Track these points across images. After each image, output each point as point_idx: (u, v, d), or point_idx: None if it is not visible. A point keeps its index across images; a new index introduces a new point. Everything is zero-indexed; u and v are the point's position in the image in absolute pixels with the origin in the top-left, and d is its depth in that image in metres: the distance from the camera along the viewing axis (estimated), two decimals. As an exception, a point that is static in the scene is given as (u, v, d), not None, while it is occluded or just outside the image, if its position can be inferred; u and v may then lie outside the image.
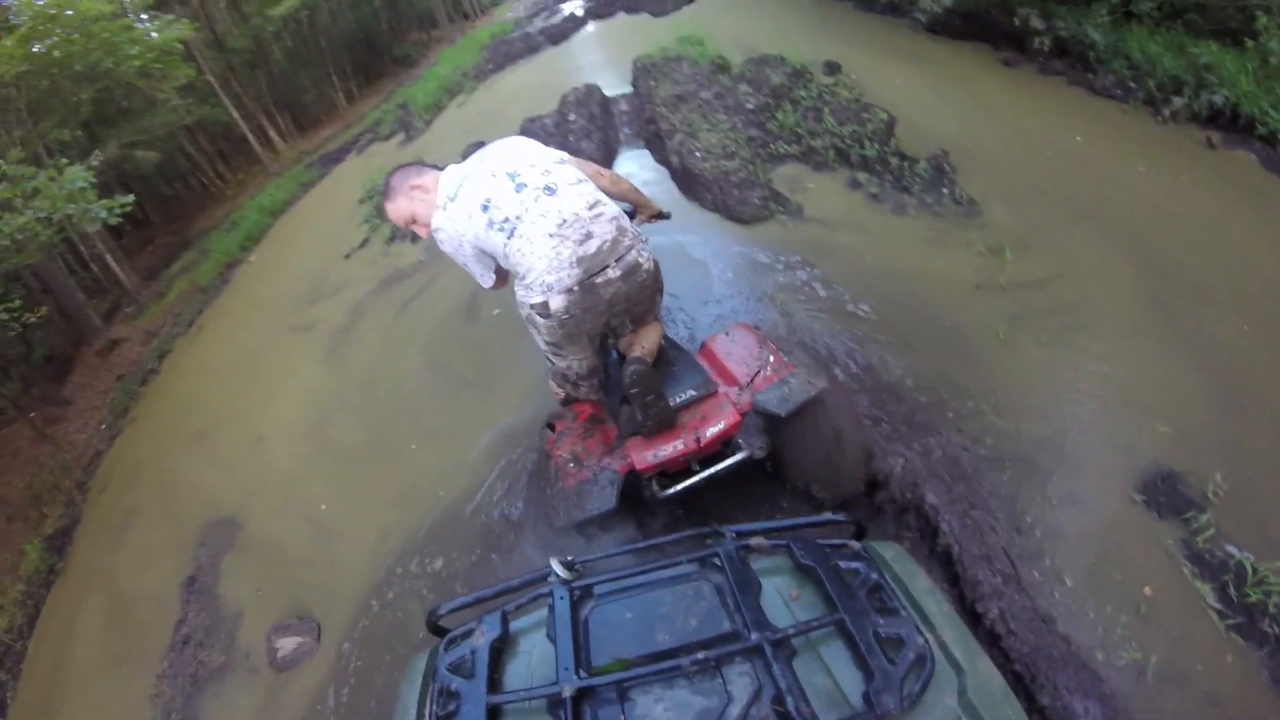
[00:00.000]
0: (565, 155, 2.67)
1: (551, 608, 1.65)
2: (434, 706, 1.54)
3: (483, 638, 1.65)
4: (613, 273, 2.50)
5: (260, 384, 7.04)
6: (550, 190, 2.42)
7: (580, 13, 18.22)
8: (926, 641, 1.44)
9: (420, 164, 2.79)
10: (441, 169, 2.71)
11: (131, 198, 7.80)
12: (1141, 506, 3.00)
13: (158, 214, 22.38)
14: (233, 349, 8.50)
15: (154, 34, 13.88)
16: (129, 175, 20.35)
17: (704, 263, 5.32)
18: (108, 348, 11.64)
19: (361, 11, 27.62)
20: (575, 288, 2.45)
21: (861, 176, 5.71)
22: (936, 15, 7.90)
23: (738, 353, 3.01)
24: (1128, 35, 6.43)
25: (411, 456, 4.85)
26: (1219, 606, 2.66)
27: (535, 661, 1.61)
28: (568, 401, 3.34)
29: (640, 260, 2.57)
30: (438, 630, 1.86)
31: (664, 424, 2.76)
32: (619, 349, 2.98)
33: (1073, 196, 5.00)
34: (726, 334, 3.14)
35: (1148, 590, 2.74)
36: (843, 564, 1.65)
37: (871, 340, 4.16)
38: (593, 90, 9.50)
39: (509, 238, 2.44)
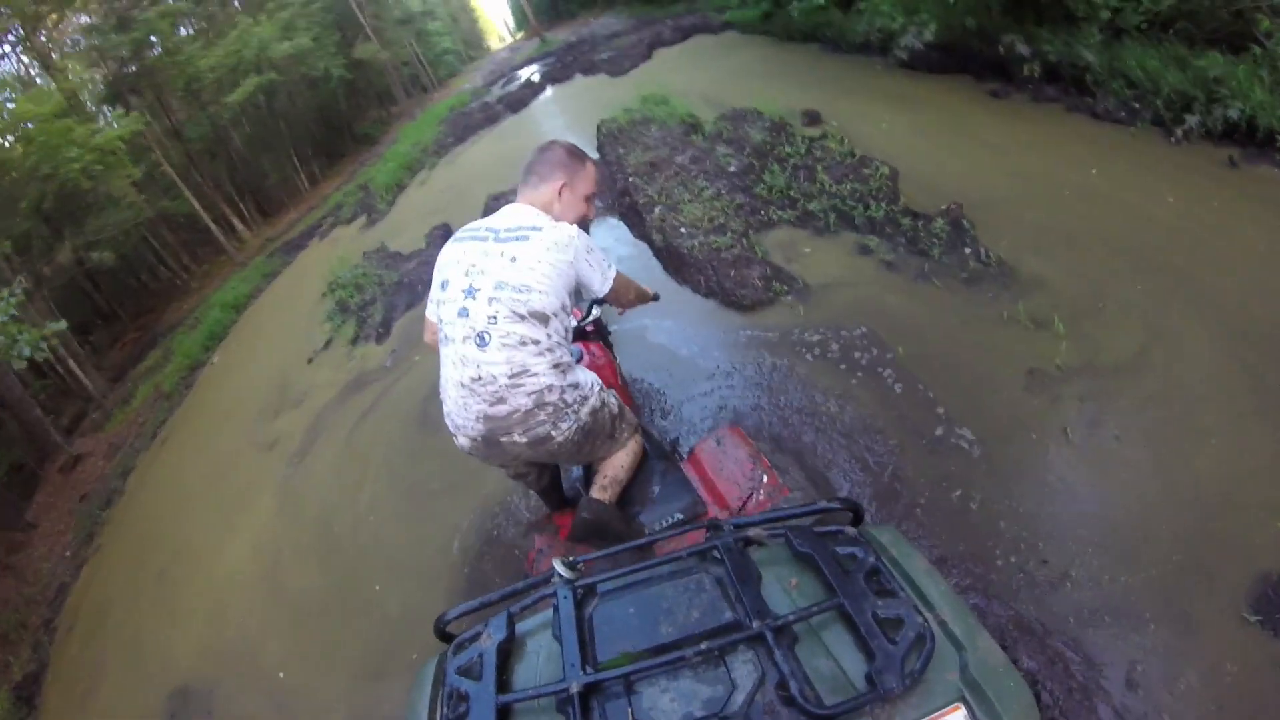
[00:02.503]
0: (554, 273, 2.29)
1: (556, 608, 1.66)
2: (444, 709, 1.55)
3: (490, 640, 1.64)
4: (519, 438, 2.33)
5: (219, 515, 6.53)
6: (482, 341, 2.22)
7: (537, 78, 18.30)
8: (926, 621, 1.43)
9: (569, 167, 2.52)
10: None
11: (63, 323, 7.33)
12: (1256, 627, 2.57)
13: (126, 308, 22.23)
14: (195, 467, 8.10)
15: (115, 124, 13.63)
16: (94, 272, 20.02)
17: (700, 358, 4.77)
18: (70, 464, 11.49)
19: (320, 92, 27.55)
20: (478, 438, 2.35)
21: (871, 241, 5.15)
22: (915, 51, 7.46)
23: (728, 467, 2.77)
24: (1122, 52, 6.04)
25: (377, 604, 4.36)
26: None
27: (542, 661, 1.62)
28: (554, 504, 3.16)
29: (553, 434, 2.36)
30: (445, 636, 1.84)
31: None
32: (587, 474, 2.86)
33: (1107, 242, 4.50)
34: (717, 442, 2.89)
35: (1275, 729, 2.36)
36: (840, 549, 1.64)
37: (913, 451, 3.58)
38: (558, 163, 9.04)
39: (440, 342, 2.38)
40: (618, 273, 2.48)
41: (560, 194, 2.47)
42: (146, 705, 4.77)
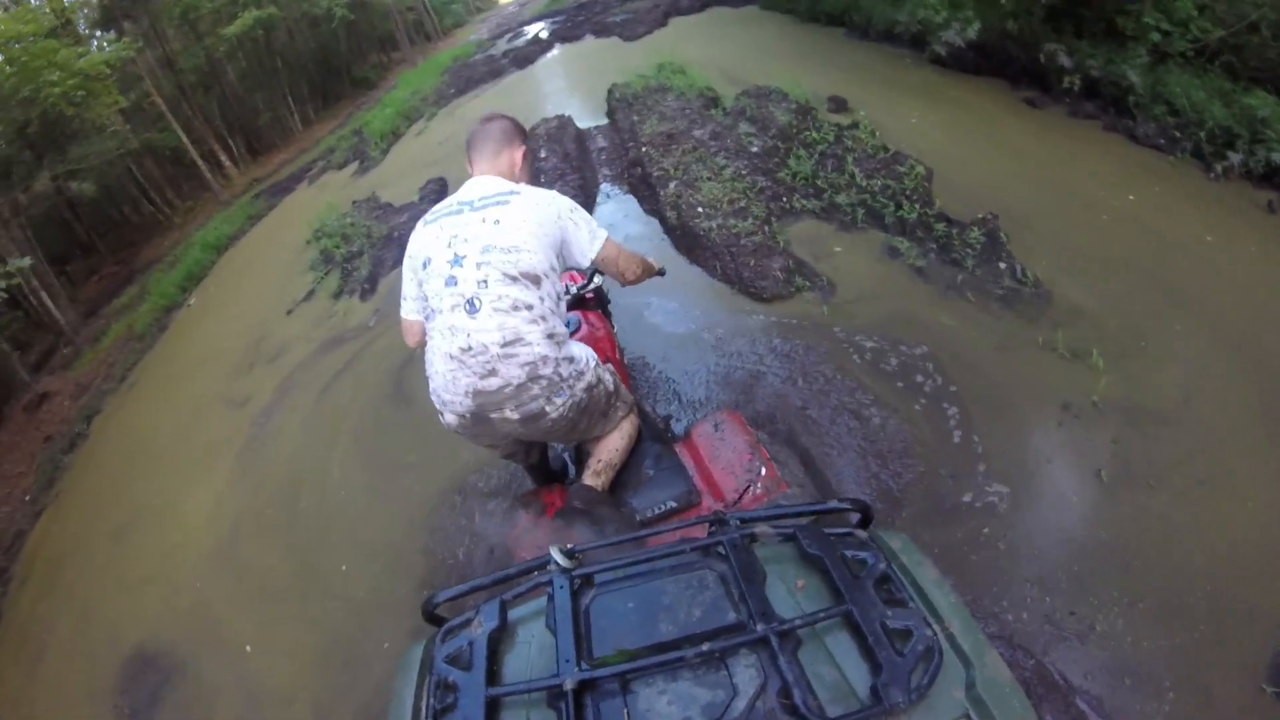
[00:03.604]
0: (540, 232, 2.24)
1: (551, 597, 1.60)
2: (431, 699, 1.50)
3: (480, 628, 1.59)
4: (510, 414, 2.24)
5: (183, 474, 6.19)
6: (472, 307, 2.14)
7: (546, 35, 17.81)
8: (935, 634, 1.39)
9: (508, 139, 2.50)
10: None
11: (28, 260, 6.88)
12: (1274, 700, 2.51)
13: (106, 241, 21.56)
14: (162, 418, 7.72)
15: (107, 48, 13.06)
16: (75, 202, 19.41)
17: (711, 343, 4.54)
18: (36, 402, 11.08)
19: (320, 31, 26.83)
20: (467, 415, 2.26)
21: (901, 244, 4.88)
22: (952, 48, 7.17)
23: (725, 455, 2.66)
24: (1166, 77, 5.87)
25: (344, 585, 4.10)
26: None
27: (535, 652, 1.57)
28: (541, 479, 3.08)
29: (546, 410, 2.27)
30: (434, 619, 1.77)
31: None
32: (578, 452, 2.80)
33: (1145, 275, 4.33)
34: (715, 426, 2.79)
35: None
36: (849, 553, 1.59)
37: (936, 477, 3.39)
38: (566, 124, 8.76)
39: (425, 319, 2.33)
40: (608, 236, 2.40)
41: (521, 160, 2.50)
42: (98, 682, 4.50)
